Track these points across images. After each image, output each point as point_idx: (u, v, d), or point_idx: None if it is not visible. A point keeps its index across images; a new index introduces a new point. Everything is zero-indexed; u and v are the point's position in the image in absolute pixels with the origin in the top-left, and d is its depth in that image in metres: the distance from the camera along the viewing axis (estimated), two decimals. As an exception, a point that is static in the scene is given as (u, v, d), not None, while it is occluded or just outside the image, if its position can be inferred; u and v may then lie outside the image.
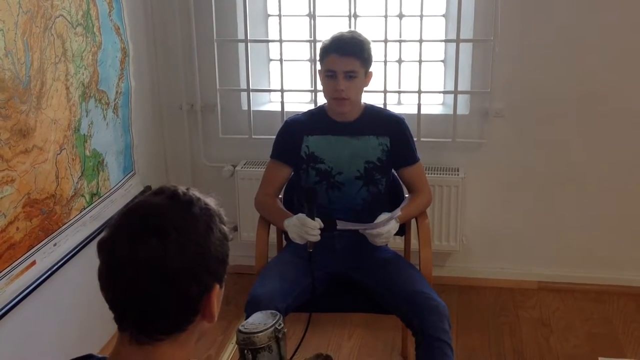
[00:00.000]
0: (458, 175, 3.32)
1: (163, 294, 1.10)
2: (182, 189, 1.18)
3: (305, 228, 2.35)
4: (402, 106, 3.45)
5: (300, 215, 2.39)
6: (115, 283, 1.12)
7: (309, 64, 3.45)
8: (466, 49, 3.24)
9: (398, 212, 2.50)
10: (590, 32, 3.14)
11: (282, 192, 2.74)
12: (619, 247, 3.41)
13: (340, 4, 3.29)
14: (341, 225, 2.44)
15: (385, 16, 3.20)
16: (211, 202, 1.20)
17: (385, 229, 2.45)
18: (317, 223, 2.35)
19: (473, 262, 3.53)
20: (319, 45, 2.57)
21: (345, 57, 2.44)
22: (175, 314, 1.13)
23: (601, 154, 3.30)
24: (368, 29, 3.26)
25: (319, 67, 2.56)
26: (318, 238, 2.35)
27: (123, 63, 2.93)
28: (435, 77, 3.43)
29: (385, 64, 3.26)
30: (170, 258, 1.10)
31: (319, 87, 2.79)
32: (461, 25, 3.15)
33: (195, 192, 1.19)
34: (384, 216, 2.48)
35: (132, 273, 1.10)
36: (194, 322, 1.16)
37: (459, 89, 3.25)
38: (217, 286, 1.17)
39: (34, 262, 2.36)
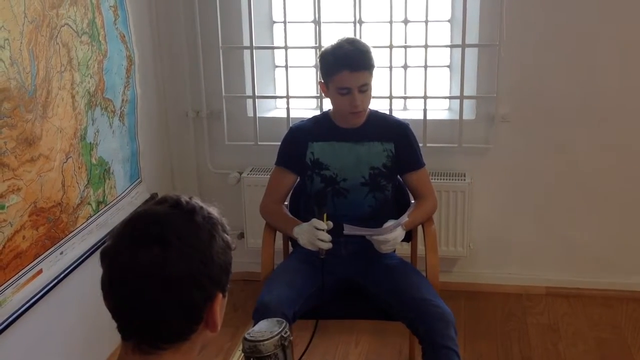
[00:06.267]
0: (464, 180, 3.31)
1: (165, 302, 1.10)
2: (184, 197, 1.18)
3: (317, 232, 2.34)
4: (408, 111, 3.44)
5: (314, 220, 2.39)
6: (118, 291, 1.12)
7: (314, 70, 3.45)
8: (472, 54, 3.24)
9: (405, 218, 2.50)
10: (596, 37, 3.13)
11: (288, 199, 2.74)
12: (627, 252, 3.39)
13: (345, 10, 3.30)
14: (348, 229, 2.43)
15: (391, 22, 3.20)
16: (214, 211, 1.20)
17: (391, 235, 2.44)
18: (329, 224, 2.35)
19: (480, 267, 3.52)
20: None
21: (357, 72, 2.41)
22: (178, 322, 1.13)
23: (608, 158, 3.28)
24: (373, 35, 3.26)
25: (319, 78, 2.55)
26: (330, 245, 2.35)
27: (129, 71, 2.94)
28: (441, 82, 3.43)
29: (390, 70, 3.26)
30: (173, 266, 1.10)
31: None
32: (466, 30, 3.14)
33: (197, 201, 1.19)
34: (390, 223, 2.47)
35: (134, 281, 1.10)
36: (197, 331, 1.15)
37: (465, 94, 3.24)
38: (220, 295, 1.17)
39: (40, 271, 2.37)
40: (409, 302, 2.35)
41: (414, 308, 2.33)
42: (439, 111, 3.46)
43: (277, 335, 1.56)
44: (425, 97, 3.26)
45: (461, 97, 3.24)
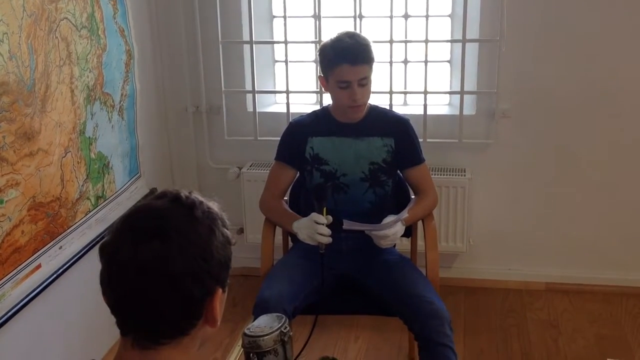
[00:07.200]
0: (464, 176, 3.30)
1: (165, 297, 1.10)
2: (184, 192, 1.18)
3: (316, 227, 2.33)
4: (408, 107, 3.43)
5: (313, 214, 2.38)
6: (117, 286, 1.12)
7: (314, 65, 3.44)
8: (472, 49, 3.23)
9: (405, 214, 2.49)
10: (597, 32, 3.12)
11: (288, 194, 2.73)
12: (628, 248, 3.39)
13: (345, 4, 3.28)
14: (347, 225, 2.43)
15: (391, 17, 3.19)
16: (214, 205, 1.19)
17: (391, 231, 2.44)
18: (329, 218, 2.34)
19: (480, 263, 3.51)
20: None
21: (357, 66, 2.40)
22: (178, 317, 1.12)
23: (608, 154, 3.27)
24: (373, 30, 3.25)
25: (319, 72, 2.54)
26: (329, 240, 2.34)
27: (128, 65, 2.93)
28: (442, 77, 3.42)
29: (391, 65, 3.25)
30: (173, 261, 1.09)
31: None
32: (467, 25, 3.13)
33: (197, 196, 1.18)
34: (390, 218, 2.47)
35: (133, 276, 1.09)
36: (197, 326, 1.15)
37: (465, 89, 3.23)
38: (220, 290, 1.16)
39: (39, 266, 2.36)
40: (405, 299, 2.35)
41: (409, 304, 2.33)
42: (439, 106, 3.45)
43: (276, 330, 1.56)
44: (425, 93, 3.25)
45: (461, 93, 3.23)
